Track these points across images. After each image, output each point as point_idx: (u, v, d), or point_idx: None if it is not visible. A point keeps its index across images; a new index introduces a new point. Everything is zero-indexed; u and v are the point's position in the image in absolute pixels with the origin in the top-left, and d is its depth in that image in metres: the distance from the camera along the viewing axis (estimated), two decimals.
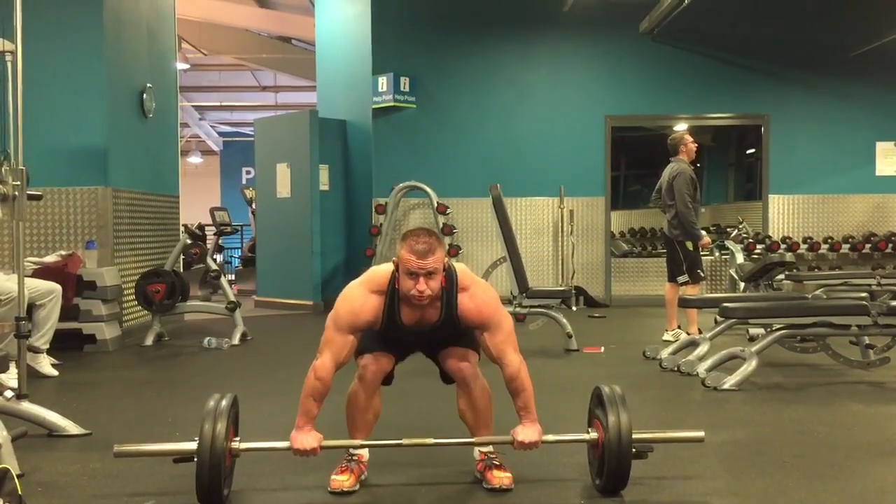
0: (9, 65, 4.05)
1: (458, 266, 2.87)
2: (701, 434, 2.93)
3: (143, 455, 2.93)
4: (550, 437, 2.86)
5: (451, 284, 2.80)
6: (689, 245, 6.36)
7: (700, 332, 6.01)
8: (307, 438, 2.78)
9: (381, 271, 2.85)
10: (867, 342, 5.19)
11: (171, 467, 3.19)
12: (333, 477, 2.89)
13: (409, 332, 2.87)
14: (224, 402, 2.78)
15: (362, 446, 2.94)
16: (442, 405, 4.07)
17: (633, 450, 2.73)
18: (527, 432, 2.78)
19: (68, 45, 6.30)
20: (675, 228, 6.41)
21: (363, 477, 2.96)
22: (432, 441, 2.89)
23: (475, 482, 2.97)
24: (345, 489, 2.85)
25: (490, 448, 2.95)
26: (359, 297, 2.82)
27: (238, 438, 2.84)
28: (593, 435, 2.85)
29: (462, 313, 2.81)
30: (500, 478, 2.88)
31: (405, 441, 2.87)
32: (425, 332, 2.89)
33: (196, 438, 2.69)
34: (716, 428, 3.79)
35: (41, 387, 4.68)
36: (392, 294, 2.79)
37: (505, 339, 2.82)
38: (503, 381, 2.83)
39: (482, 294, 2.85)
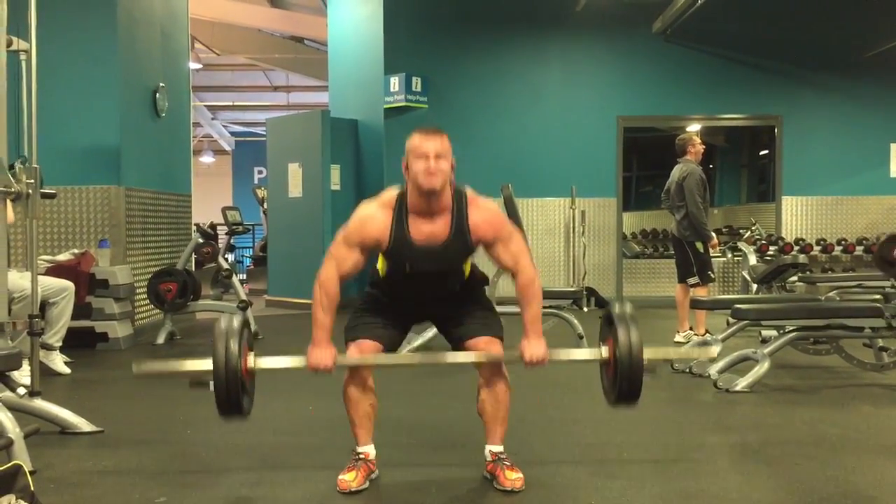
0: (23, 64, 4.07)
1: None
2: (716, 350, 2.94)
3: (162, 375, 2.96)
4: (561, 356, 2.94)
5: (459, 198, 2.83)
6: (700, 246, 6.34)
7: (707, 333, 5.99)
8: (322, 355, 2.80)
9: (391, 189, 2.88)
10: (881, 344, 5.15)
11: (183, 464, 3.20)
12: (341, 477, 2.88)
13: (417, 253, 2.80)
14: (236, 322, 2.81)
15: (376, 365, 2.96)
16: (455, 404, 4.07)
17: (645, 366, 2.76)
18: (534, 349, 2.81)
19: (82, 45, 6.33)
20: (685, 229, 6.39)
21: (373, 476, 2.95)
22: (448, 359, 2.97)
23: (486, 483, 2.96)
24: (353, 488, 2.84)
25: (501, 448, 2.94)
26: (368, 210, 2.84)
27: (253, 354, 2.85)
28: (605, 354, 2.89)
29: (473, 226, 2.82)
30: (513, 480, 2.86)
31: (417, 353, 2.97)
32: (433, 282, 2.88)
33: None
34: (727, 430, 3.78)
35: (54, 384, 4.71)
36: (400, 207, 2.80)
37: (520, 247, 2.87)
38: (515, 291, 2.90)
39: (491, 206, 2.89)
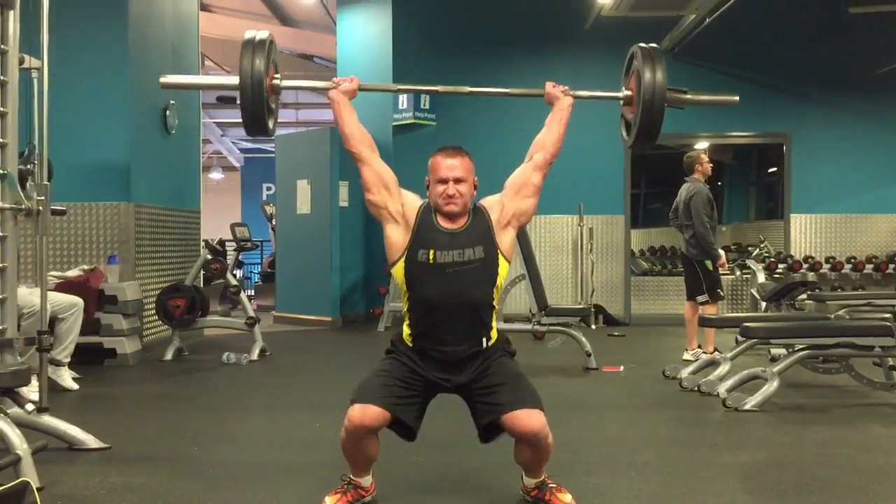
0: (35, 82, 4.11)
1: None
2: (735, 98, 3.13)
3: (188, 87, 3.20)
4: (584, 93, 3.11)
5: (475, 208, 2.89)
6: (709, 265, 6.33)
7: (715, 350, 5.98)
8: (346, 79, 2.95)
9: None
10: (891, 364, 5.12)
11: (191, 481, 3.20)
12: (325, 498, 2.79)
13: (441, 237, 2.77)
14: (260, 36, 2.86)
15: (398, 90, 3.23)
16: (463, 415, 4.06)
17: (666, 103, 2.92)
18: (557, 89, 3.03)
19: (93, 63, 6.38)
20: (693, 248, 6.39)
21: (366, 500, 2.84)
22: (467, 88, 3.23)
23: None
24: None
25: (542, 476, 2.81)
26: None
27: (279, 76, 2.95)
28: (627, 92, 3.07)
29: (486, 205, 2.88)
30: (567, 502, 2.77)
31: (441, 88, 3.24)
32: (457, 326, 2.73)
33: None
34: (736, 449, 3.76)
35: (62, 400, 4.71)
36: (426, 207, 2.86)
37: (516, 174, 2.97)
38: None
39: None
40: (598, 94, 3.23)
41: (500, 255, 2.82)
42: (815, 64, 9.51)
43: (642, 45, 3.07)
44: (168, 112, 7.13)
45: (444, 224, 2.80)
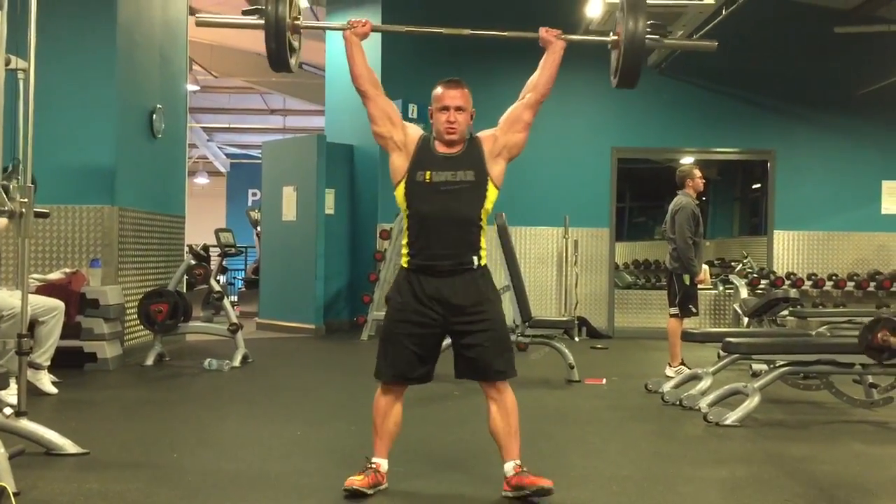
0: (21, 83, 4.09)
1: None
2: (713, 44, 3.38)
3: (220, 25, 3.80)
4: (574, 37, 3.33)
5: (471, 137, 3.22)
6: (686, 279, 6.35)
7: (682, 364, 6.05)
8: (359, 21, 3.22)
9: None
10: (871, 381, 5.16)
11: (170, 489, 3.17)
12: (350, 478, 3.05)
13: (438, 159, 3.11)
14: None
15: (406, 31, 3.52)
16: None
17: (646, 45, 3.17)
18: (550, 33, 3.26)
19: (81, 65, 6.35)
20: (674, 261, 6.41)
21: (381, 487, 3.10)
22: (468, 31, 3.49)
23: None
24: (355, 486, 3.02)
25: (519, 461, 3.08)
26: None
27: (300, 17, 3.28)
28: (613, 37, 3.32)
29: (482, 136, 3.20)
30: (543, 479, 3.02)
31: (445, 30, 3.48)
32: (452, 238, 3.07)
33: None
34: (717, 464, 3.77)
35: (40, 404, 4.67)
36: (425, 137, 3.20)
37: (510, 111, 3.27)
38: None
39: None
40: (587, 37, 3.55)
41: (489, 181, 3.15)
42: (800, 82, 9.61)
43: None
44: (155, 116, 7.10)
45: (441, 149, 3.14)
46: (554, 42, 3.28)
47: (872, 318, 4.60)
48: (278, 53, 3.17)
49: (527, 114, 3.25)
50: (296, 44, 3.30)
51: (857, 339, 4.59)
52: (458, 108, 3.12)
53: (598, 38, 3.48)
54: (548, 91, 3.28)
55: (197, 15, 3.36)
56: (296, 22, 3.22)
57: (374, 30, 3.26)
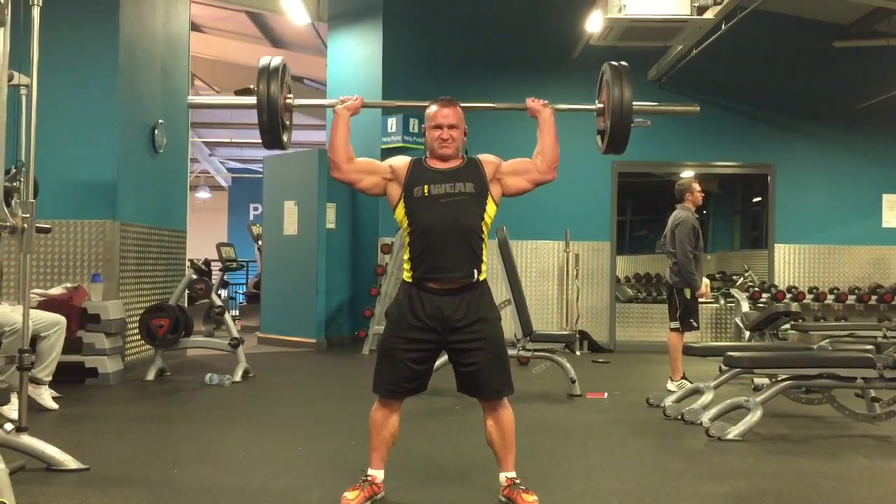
0: (24, 98, 4.10)
1: None
2: (696, 108, 3.50)
3: (211, 107, 3.71)
4: (562, 106, 3.38)
5: (471, 159, 3.28)
6: (687, 293, 6.35)
7: (683, 378, 6.03)
8: (351, 98, 3.29)
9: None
10: (873, 395, 5.14)
11: None
12: (344, 494, 3.08)
13: (435, 174, 3.16)
14: (275, 62, 3.26)
15: (396, 105, 3.45)
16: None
17: (632, 121, 3.26)
18: (537, 103, 3.33)
19: (83, 80, 6.38)
20: (675, 275, 6.41)
21: (377, 497, 3.15)
22: (464, 104, 3.31)
23: None
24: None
25: (514, 474, 3.16)
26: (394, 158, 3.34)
27: (291, 96, 3.36)
28: (599, 105, 3.39)
29: (482, 159, 3.26)
30: (530, 502, 3.05)
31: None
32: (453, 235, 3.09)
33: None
34: (719, 479, 3.76)
35: (41, 420, 4.66)
36: (416, 160, 3.26)
37: (518, 162, 3.33)
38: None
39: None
40: (574, 106, 3.58)
41: (489, 195, 3.20)
42: (800, 96, 9.64)
43: (612, 62, 3.40)
44: (157, 131, 7.12)
45: (436, 165, 3.21)
46: (542, 111, 3.35)
47: None
48: (271, 132, 3.25)
49: (536, 176, 3.30)
50: (287, 122, 3.40)
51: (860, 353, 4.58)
52: (451, 126, 3.19)
53: (584, 108, 3.56)
54: (554, 156, 3.32)
55: (189, 98, 3.47)
56: (287, 101, 3.34)
57: (364, 105, 3.33)
